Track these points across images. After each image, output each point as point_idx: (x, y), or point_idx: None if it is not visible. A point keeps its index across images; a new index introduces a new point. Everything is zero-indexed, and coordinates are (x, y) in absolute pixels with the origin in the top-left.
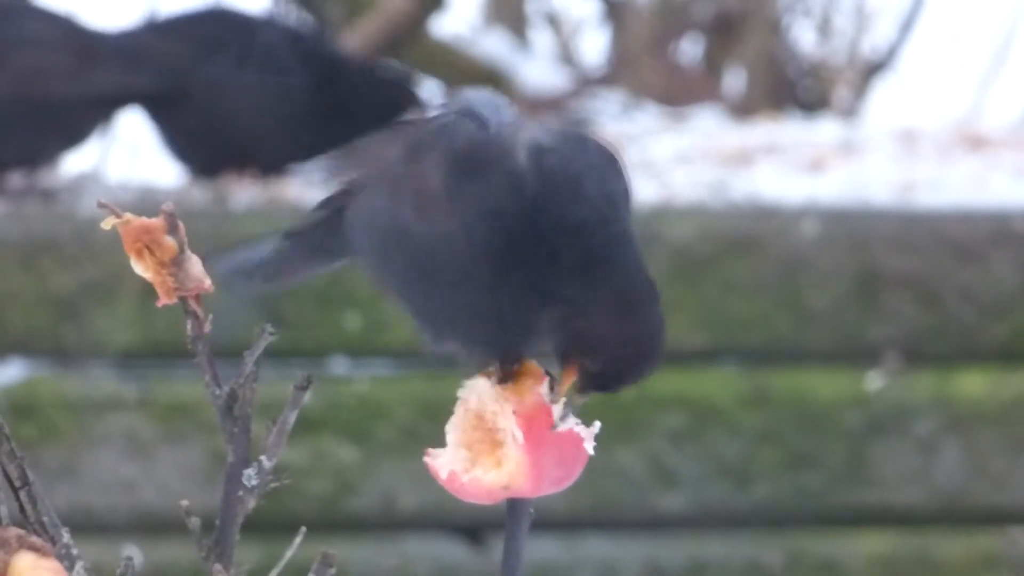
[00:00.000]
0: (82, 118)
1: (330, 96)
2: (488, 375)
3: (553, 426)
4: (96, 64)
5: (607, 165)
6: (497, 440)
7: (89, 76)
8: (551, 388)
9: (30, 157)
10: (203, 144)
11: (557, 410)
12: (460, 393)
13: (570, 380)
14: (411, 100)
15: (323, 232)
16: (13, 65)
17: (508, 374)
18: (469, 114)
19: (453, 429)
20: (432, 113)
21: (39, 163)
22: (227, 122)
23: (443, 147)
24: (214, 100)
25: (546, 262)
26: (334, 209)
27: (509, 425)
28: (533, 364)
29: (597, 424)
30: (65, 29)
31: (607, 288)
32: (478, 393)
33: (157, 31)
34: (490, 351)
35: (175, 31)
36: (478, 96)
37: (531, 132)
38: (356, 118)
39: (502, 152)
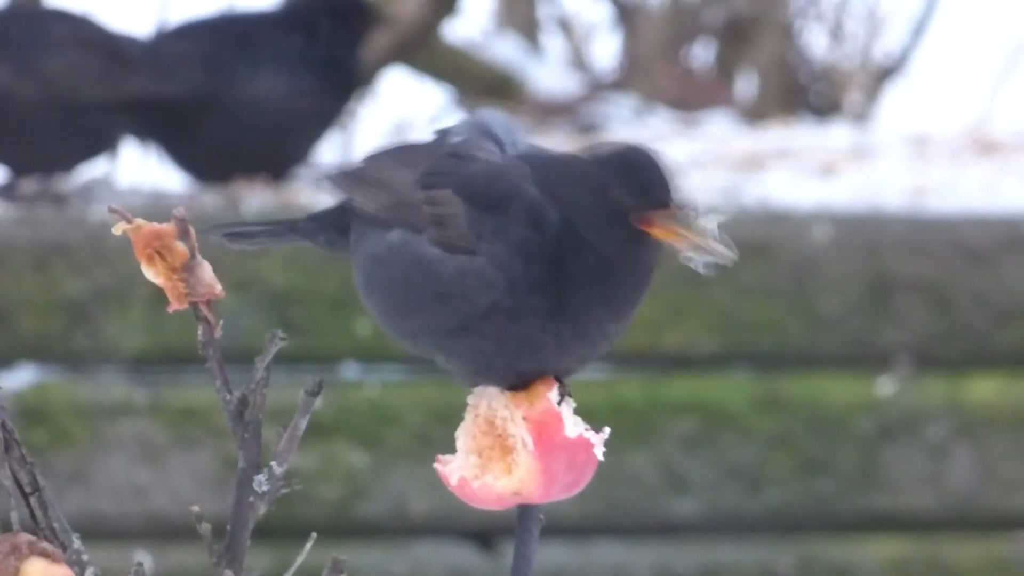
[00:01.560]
0: (110, 124)
1: (332, 92)
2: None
3: (557, 403)
4: (126, 70)
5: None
6: (507, 446)
7: (120, 82)
8: (560, 394)
9: (56, 162)
10: (216, 151)
11: (553, 395)
12: (470, 399)
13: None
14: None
15: (325, 230)
16: (44, 70)
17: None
18: (482, 135)
19: (463, 435)
20: (445, 133)
21: (64, 169)
22: (243, 127)
23: (459, 175)
24: (232, 105)
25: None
26: (339, 213)
27: (519, 431)
28: None
29: (607, 430)
30: (93, 34)
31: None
32: (488, 399)
33: (176, 36)
34: (517, 378)
35: (192, 37)
36: (491, 116)
37: (536, 158)
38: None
39: (517, 184)
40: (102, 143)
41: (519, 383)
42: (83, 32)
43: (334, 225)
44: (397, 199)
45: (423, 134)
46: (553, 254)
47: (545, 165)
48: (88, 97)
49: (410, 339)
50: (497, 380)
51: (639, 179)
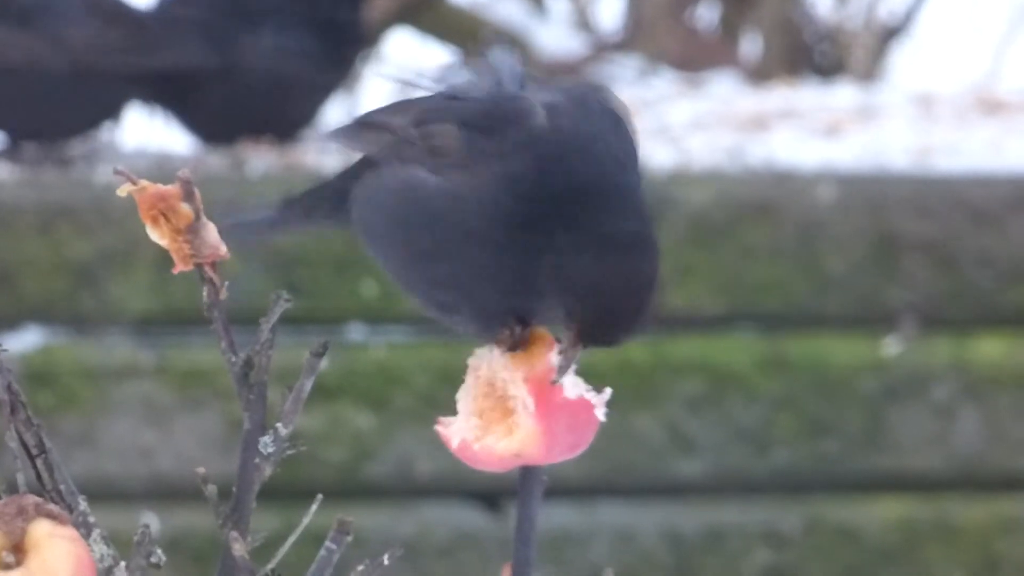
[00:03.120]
0: (123, 93)
1: (335, 54)
2: (499, 343)
3: (554, 380)
4: (146, 39)
5: (616, 127)
6: (508, 408)
7: (142, 55)
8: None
9: (66, 130)
10: (221, 113)
11: (554, 359)
12: (470, 361)
13: (570, 335)
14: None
15: (327, 199)
16: (66, 40)
17: (518, 341)
18: (486, 75)
19: (464, 397)
20: (447, 78)
21: (73, 135)
22: (248, 89)
23: (458, 107)
24: (236, 68)
25: (553, 221)
26: (342, 178)
27: (520, 393)
28: (543, 331)
29: (608, 390)
30: (110, 4)
31: (596, 236)
32: (488, 361)
33: (182, 3)
34: (496, 316)
35: (197, 3)
36: (498, 57)
37: (546, 94)
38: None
39: (520, 111)
40: (112, 111)
41: (519, 336)
42: (102, 2)
43: (329, 197)
44: (395, 139)
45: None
46: (550, 185)
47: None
48: (110, 69)
49: (411, 285)
50: (495, 316)
51: (602, 316)
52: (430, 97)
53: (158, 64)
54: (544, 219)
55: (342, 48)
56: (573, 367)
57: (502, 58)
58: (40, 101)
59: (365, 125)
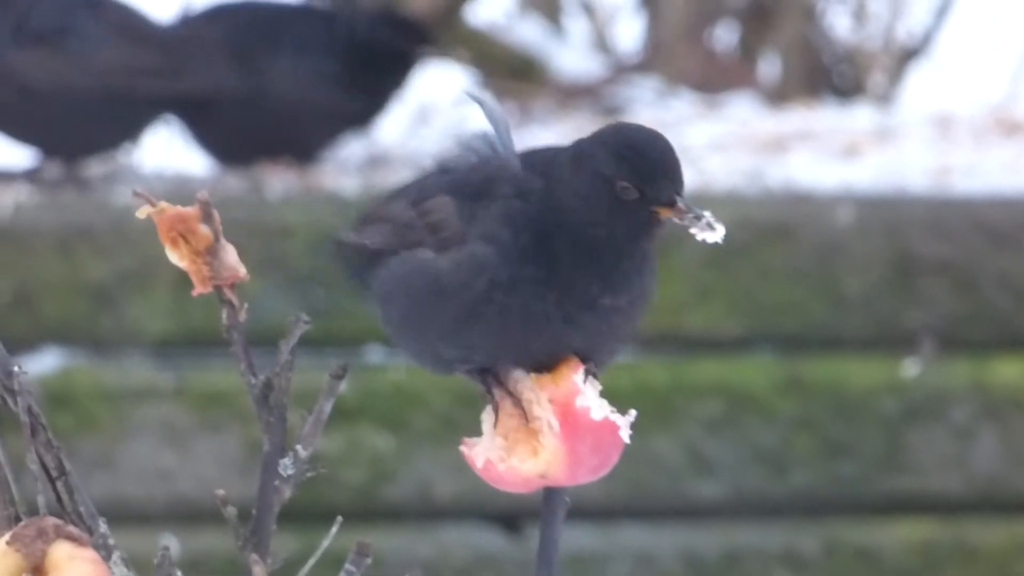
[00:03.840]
0: (148, 113)
1: (358, 76)
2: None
3: (578, 397)
4: (172, 62)
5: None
6: (533, 428)
7: (169, 74)
8: (585, 376)
9: (91, 148)
10: (240, 134)
11: (579, 377)
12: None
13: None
14: (423, 40)
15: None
16: (93, 62)
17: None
18: (475, 144)
19: (489, 418)
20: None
21: (97, 153)
22: (268, 113)
23: (449, 180)
24: (256, 90)
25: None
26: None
27: (545, 413)
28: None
29: (633, 412)
30: (139, 23)
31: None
32: (514, 382)
33: (203, 22)
34: (533, 359)
35: (218, 22)
36: (487, 108)
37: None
38: (378, 82)
39: (501, 165)
40: (135, 131)
41: (542, 365)
42: (132, 23)
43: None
44: (396, 226)
45: (446, 117)
46: (540, 221)
47: (539, 153)
48: (137, 91)
49: (434, 358)
50: (517, 364)
51: (647, 171)
52: (425, 176)
53: (184, 87)
54: (544, 254)
55: (369, 73)
56: (598, 388)
57: (490, 108)
58: (66, 121)
59: (369, 219)
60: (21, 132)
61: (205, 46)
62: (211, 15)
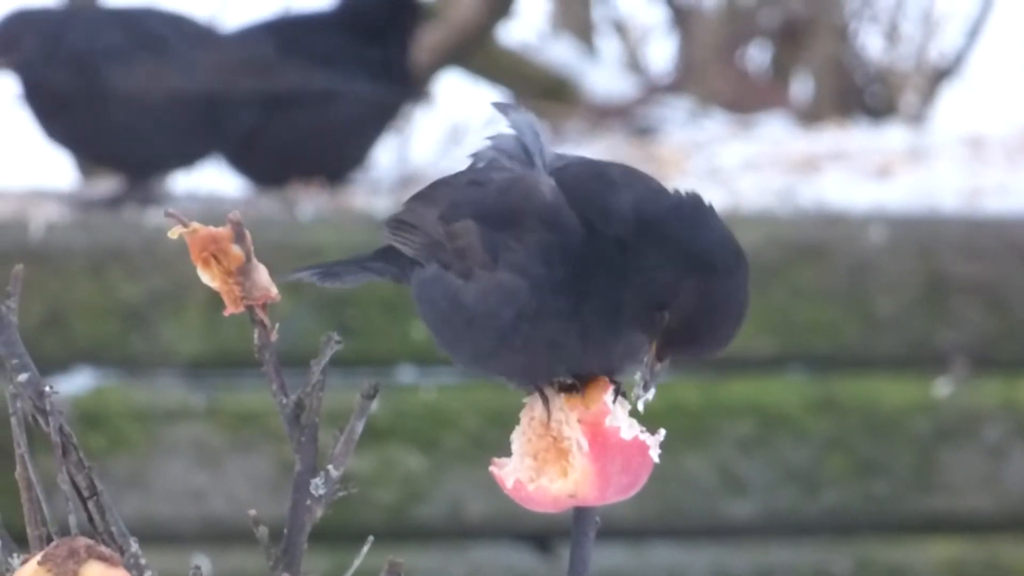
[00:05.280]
0: (243, 119)
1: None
2: (553, 384)
3: (607, 417)
4: (261, 62)
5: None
6: (563, 449)
7: (262, 76)
8: (615, 396)
9: (188, 158)
10: (272, 154)
11: (608, 397)
12: (525, 402)
13: (653, 348)
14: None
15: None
16: (194, 65)
17: (573, 384)
18: (510, 152)
19: (519, 438)
20: (475, 158)
21: (181, 167)
22: (299, 131)
23: (475, 201)
24: (293, 111)
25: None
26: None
27: (574, 434)
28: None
29: (662, 431)
30: (212, 34)
31: (688, 251)
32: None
33: (239, 45)
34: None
35: (250, 40)
36: (521, 122)
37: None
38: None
39: (527, 192)
40: (227, 140)
41: (571, 386)
42: (207, 34)
43: (396, 262)
44: (427, 239)
45: (478, 137)
46: (577, 253)
47: (578, 177)
48: (234, 93)
49: (464, 365)
50: (543, 383)
51: (695, 334)
52: (455, 182)
53: (277, 85)
54: (579, 277)
55: (393, 87)
56: (628, 408)
57: (521, 120)
58: (163, 130)
59: (401, 223)
60: (109, 150)
61: (268, 53)
62: (243, 33)
